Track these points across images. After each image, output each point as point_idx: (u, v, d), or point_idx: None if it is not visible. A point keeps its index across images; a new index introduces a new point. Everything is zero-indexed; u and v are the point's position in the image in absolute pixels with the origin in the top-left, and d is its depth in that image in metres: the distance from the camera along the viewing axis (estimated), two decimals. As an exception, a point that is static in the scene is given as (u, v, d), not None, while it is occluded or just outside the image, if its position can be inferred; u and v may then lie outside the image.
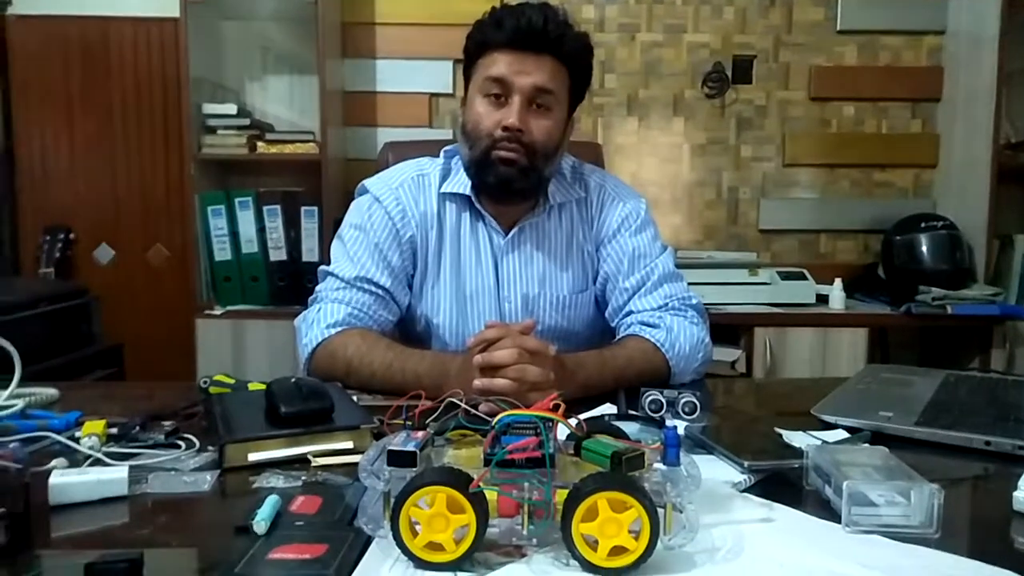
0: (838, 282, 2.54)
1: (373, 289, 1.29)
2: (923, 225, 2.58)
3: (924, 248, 2.55)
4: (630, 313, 1.31)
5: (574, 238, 1.36)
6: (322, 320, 1.24)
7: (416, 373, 1.12)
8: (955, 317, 2.43)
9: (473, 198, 1.32)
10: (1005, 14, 2.46)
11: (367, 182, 1.38)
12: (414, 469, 0.63)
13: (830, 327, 2.44)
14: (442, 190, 1.33)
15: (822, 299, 2.55)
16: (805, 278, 2.57)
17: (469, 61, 1.29)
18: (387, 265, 1.30)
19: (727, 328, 2.42)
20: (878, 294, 2.63)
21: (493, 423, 0.66)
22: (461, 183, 1.32)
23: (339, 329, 1.23)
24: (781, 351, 2.43)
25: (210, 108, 2.62)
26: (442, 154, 1.38)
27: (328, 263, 1.35)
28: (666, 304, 1.30)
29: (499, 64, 1.22)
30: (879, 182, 2.88)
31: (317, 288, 1.32)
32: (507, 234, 1.34)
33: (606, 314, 1.37)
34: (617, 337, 1.31)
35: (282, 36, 2.83)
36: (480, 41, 1.25)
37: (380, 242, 1.31)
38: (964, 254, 2.55)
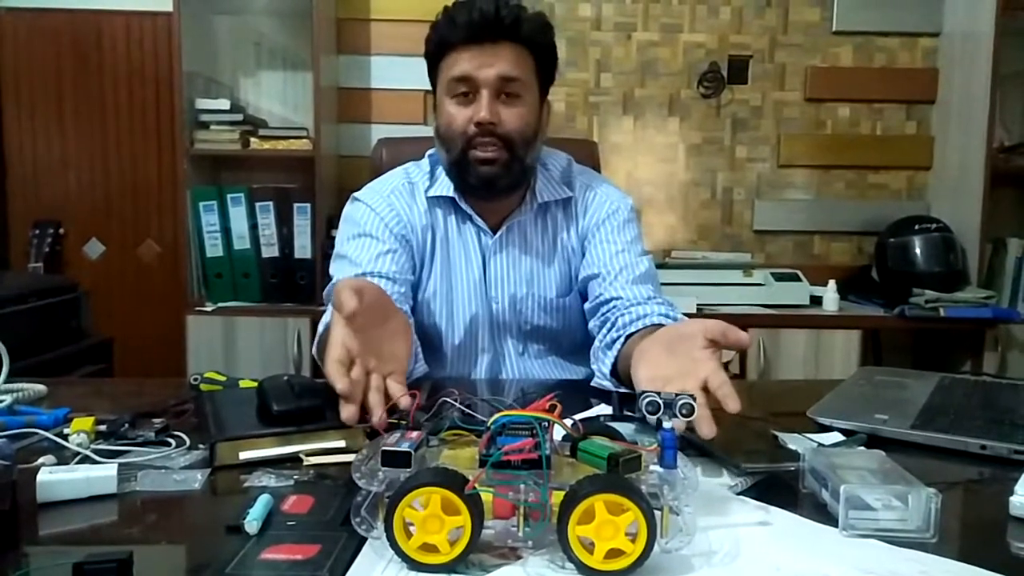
0: (832, 284, 2.55)
1: (380, 275, 1.23)
2: (917, 227, 2.59)
3: (918, 250, 2.56)
4: (618, 299, 1.26)
5: (559, 239, 1.35)
6: (323, 322, 1.18)
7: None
8: (948, 320, 2.44)
9: (457, 198, 1.30)
10: (1000, 16, 2.47)
11: (357, 194, 1.36)
12: (408, 470, 0.63)
13: (823, 329, 2.45)
14: (428, 194, 1.31)
15: (816, 301, 2.56)
16: (799, 279, 2.57)
17: (432, 64, 1.27)
18: (393, 259, 1.26)
19: (721, 329, 2.42)
20: (871, 296, 2.64)
21: (489, 423, 0.65)
22: (444, 186, 1.31)
23: None
24: (774, 352, 2.43)
25: (203, 103, 2.61)
26: (426, 158, 1.36)
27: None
28: (655, 297, 1.26)
29: (461, 62, 1.21)
30: (873, 184, 2.88)
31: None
32: (494, 232, 1.32)
33: (585, 307, 1.33)
34: (602, 328, 1.27)
35: (276, 31, 2.82)
36: (437, 42, 1.24)
37: (380, 241, 1.27)
38: (957, 257, 2.56)
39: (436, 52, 1.25)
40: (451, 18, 1.21)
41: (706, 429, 0.77)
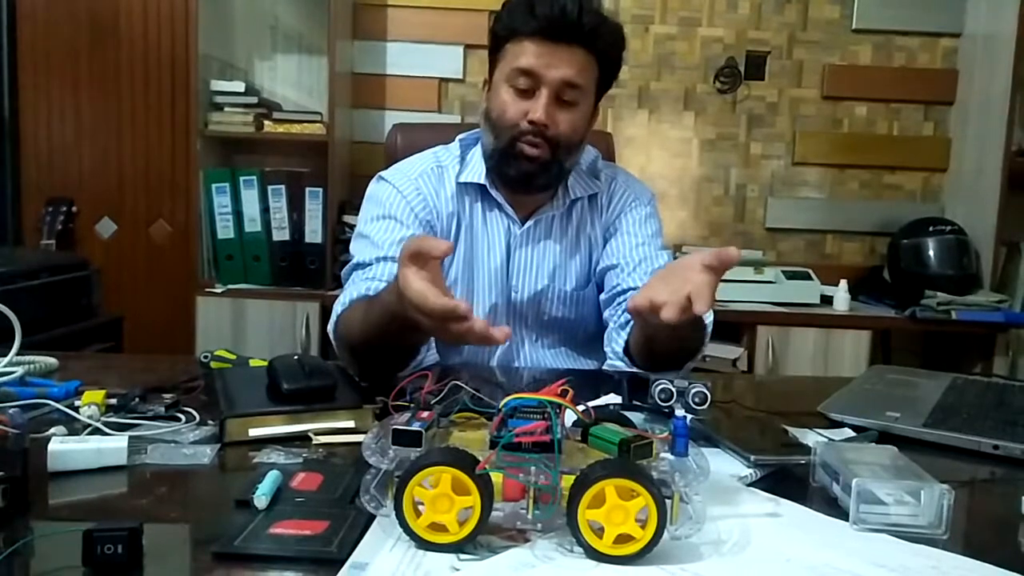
0: (843, 283, 2.53)
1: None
2: (931, 229, 2.57)
3: (931, 252, 2.54)
4: (634, 289, 1.25)
5: (583, 232, 1.35)
6: (342, 302, 1.18)
7: (385, 301, 0.99)
8: (959, 323, 2.43)
9: (488, 186, 1.29)
10: (1023, 18, 2.43)
11: (384, 173, 1.34)
12: (419, 449, 0.62)
13: (833, 328, 2.44)
14: (459, 180, 1.30)
15: (826, 300, 2.54)
16: (810, 278, 2.56)
17: (496, 44, 1.24)
18: None
19: (730, 325, 2.41)
20: (883, 297, 2.62)
21: (501, 405, 0.65)
22: (476, 172, 1.29)
23: (356, 303, 1.15)
24: (783, 350, 2.42)
25: (218, 85, 2.61)
26: (457, 142, 1.34)
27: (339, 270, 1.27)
28: None
29: (528, 54, 1.18)
30: (888, 184, 2.86)
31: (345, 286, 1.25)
32: (522, 223, 1.31)
33: (601, 297, 1.33)
34: (616, 313, 1.26)
35: (292, 15, 2.82)
36: (509, 25, 1.20)
37: (404, 225, 1.26)
38: (971, 260, 2.54)
39: (504, 34, 1.21)
40: (531, 5, 1.16)
41: (667, 311, 0.77)
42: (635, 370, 1.15)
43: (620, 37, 1.24)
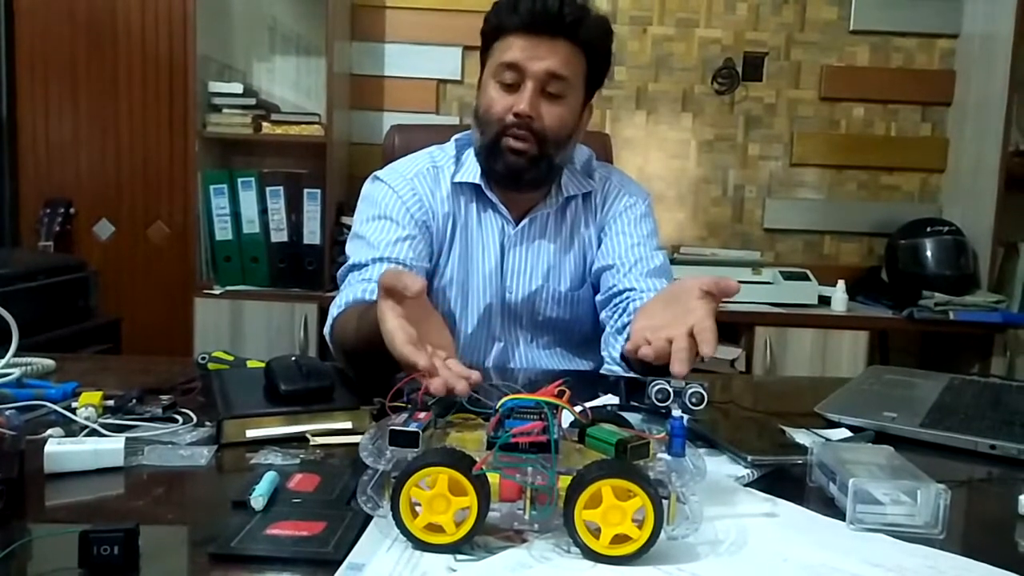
0: (841, 284, 2.54)
1: (396, 261, 1.22)
2: (928, 230, 2.57)
3: (928, 253, 2.54)
4: (631, 290, 1.26)
5: (577, 232, 1.34)
6: (338, 304, 1.18)
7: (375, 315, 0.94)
8: (956, 323, 2.43)
9: (483, 185, 1.29)
10: (1020, 18, 2.44)
11: (379, 173, 1.33)
12: (416, 450, 0.63)
13: (831, 329, 2.44)
14: (454, 180, 1.30)
15: (824, 300, 2.54)
16: (808, 279, 2.56)
17: (485, 44, 1.26)
18: (411, 246, 1.25)
19: (728, 326, 2.41)
20: (881, 297, 2.63)
21: (498, 406, 0.65)
22: (471, 172, 1.29)
23: (352, 308, 1.15)
24: (781, 351, 2.42)
25: (216, 86, 2.61)
26: (453, 142, 1.34)
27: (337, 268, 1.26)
28: None
29: (513, 49, 1.19)
30: (886, 185, 2.86)
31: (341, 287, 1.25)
32: (517, 223, 1.31)
33: (597, 299, 1.32)
34: (613, 316, 1.27)
35: (290, 16, 2.82)
36: (496, 24, 1.22)
37: (400, 226, 1.26)
38: (968, 260, 2.54)
39: (491, 33, 1.23)
40: (514, 3, 1.19)
41: (677, 367, 0.76)
42: (632, 375, 1.15)
43: (606, 29, 1.25)
